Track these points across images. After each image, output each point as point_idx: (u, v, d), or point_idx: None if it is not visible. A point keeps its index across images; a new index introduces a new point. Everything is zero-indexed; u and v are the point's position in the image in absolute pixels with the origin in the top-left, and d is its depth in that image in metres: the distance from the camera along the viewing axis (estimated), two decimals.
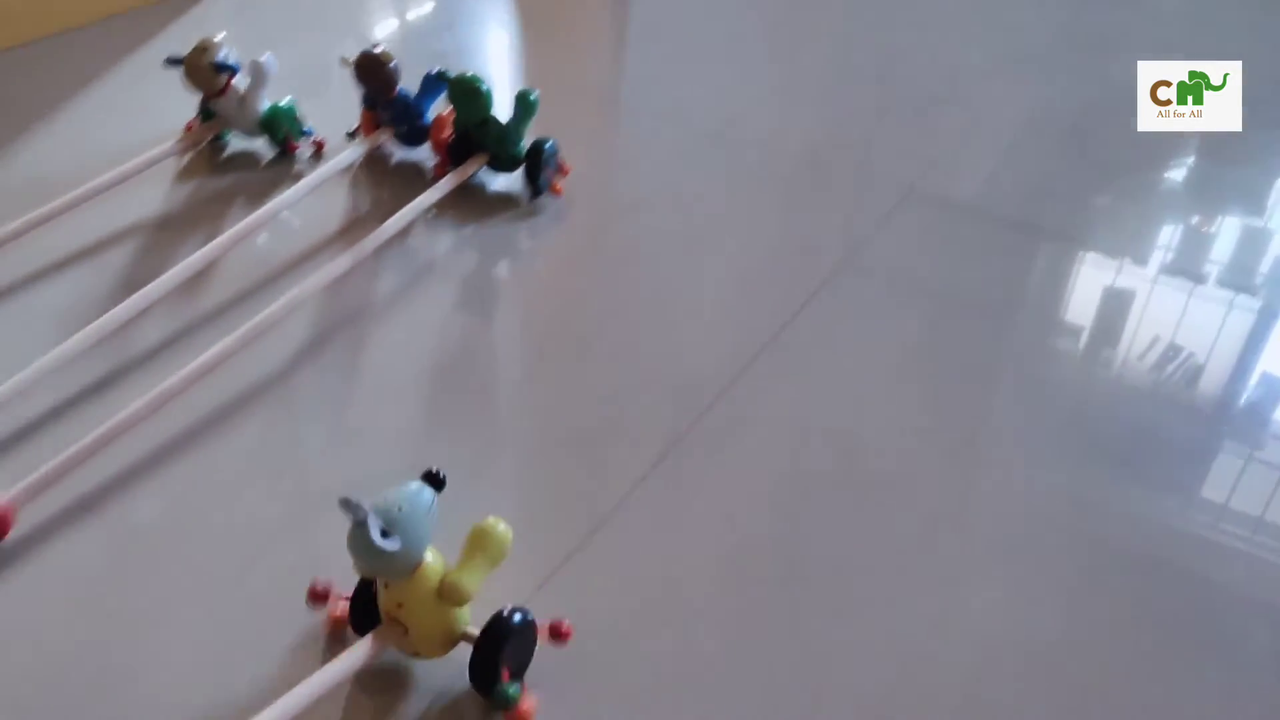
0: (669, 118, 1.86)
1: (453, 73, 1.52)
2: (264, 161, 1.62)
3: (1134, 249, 1.59)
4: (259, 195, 1.51)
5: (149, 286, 1.24)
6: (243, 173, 1.60)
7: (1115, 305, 1.47)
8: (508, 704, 0.86)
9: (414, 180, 1.58)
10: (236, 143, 1.65)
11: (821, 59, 2.18)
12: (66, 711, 0.86)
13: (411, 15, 2.30)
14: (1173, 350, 1.38)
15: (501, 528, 0.85)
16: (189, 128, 1.60)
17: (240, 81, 1.56)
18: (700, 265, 1.47)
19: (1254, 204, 1.76)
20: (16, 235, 1.33)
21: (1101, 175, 1.75)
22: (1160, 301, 1.47)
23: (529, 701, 0.86)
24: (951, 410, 1.24)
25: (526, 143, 1.53)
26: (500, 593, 0.89)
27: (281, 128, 1.59)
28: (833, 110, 1.94)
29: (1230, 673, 0.96)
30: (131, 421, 1.07)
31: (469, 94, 1.48)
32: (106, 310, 1.20)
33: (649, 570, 1.01)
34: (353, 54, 1.53)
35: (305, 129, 1.63)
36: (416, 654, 0.89)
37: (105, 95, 1.79)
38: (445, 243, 1.50)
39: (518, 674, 0.88)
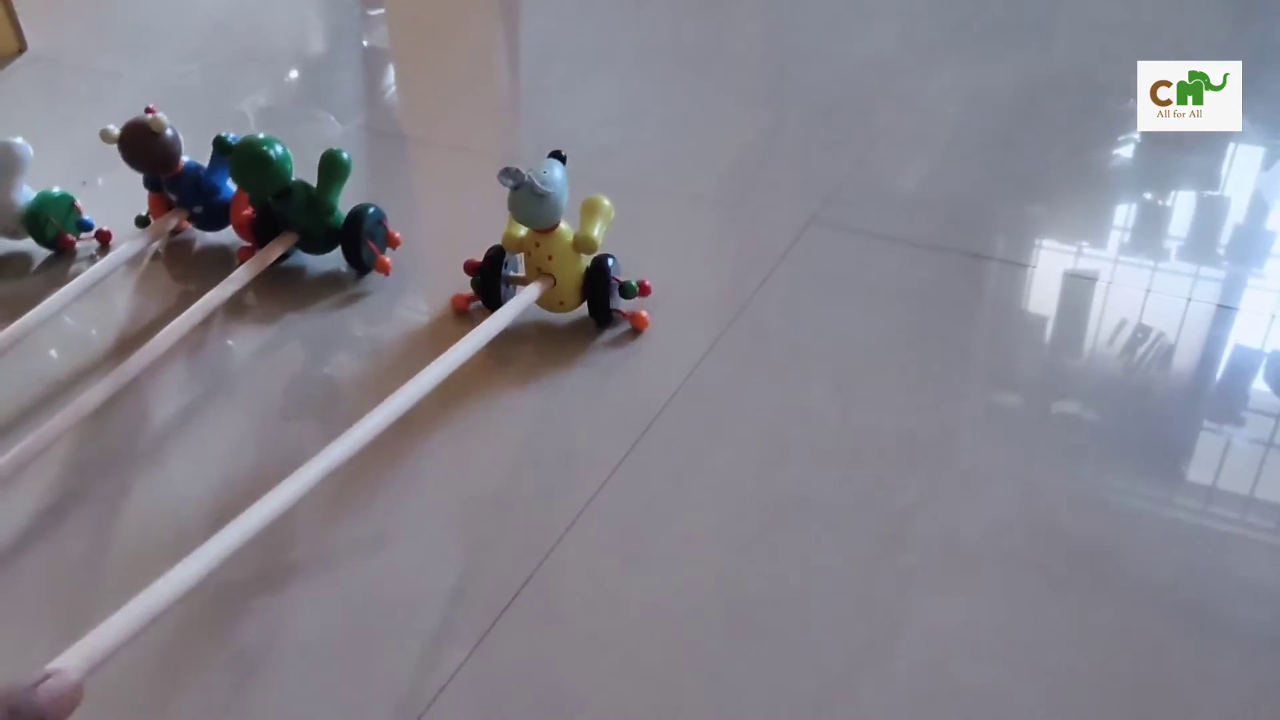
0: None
1: (259, 134, 1.25)
2: (37, 265, 1.35)
3: (1085, 240, 1.35)
4: (20, 308, 1.22)
5: None
6: (7, 281, 1.32)
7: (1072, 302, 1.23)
8: (630, 292, 1.20)
9: (223, 268, 1.30)
10: (4, 245, 1.38)
11: (703, 74, 1.93)
12: None
13: (249, 56, 2.04)
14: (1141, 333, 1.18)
15: (608, 201, 1.17)
16: None
17: None
18: (566, 340, 1.21)
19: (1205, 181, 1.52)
20: None
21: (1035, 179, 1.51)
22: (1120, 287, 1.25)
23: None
24: (893, 460, 0.98)
25: (344, 211, 1.27)
26: None
27: (50, 222, 1.32)
28: (739, 132, 1.69)
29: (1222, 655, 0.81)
30: None
31: (253, 162, 1.20)
32: None
33: None
34: (113, 128, 1.25)
35: (84, 221, 1.36)
36: (561, 305, 1.18)
37: None
38: (250, 345, 1.22)
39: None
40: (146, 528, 0.98)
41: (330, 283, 1.31)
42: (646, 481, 1.00)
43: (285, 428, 1.11)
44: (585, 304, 1.19)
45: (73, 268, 1.33)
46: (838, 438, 1.05)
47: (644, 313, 1.19)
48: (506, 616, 0.86)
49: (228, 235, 1.38)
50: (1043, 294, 1.28)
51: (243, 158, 1.20)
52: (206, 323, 1.18)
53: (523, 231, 1.16)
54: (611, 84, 1.86)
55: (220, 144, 1.26)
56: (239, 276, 1.20)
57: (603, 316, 1.19)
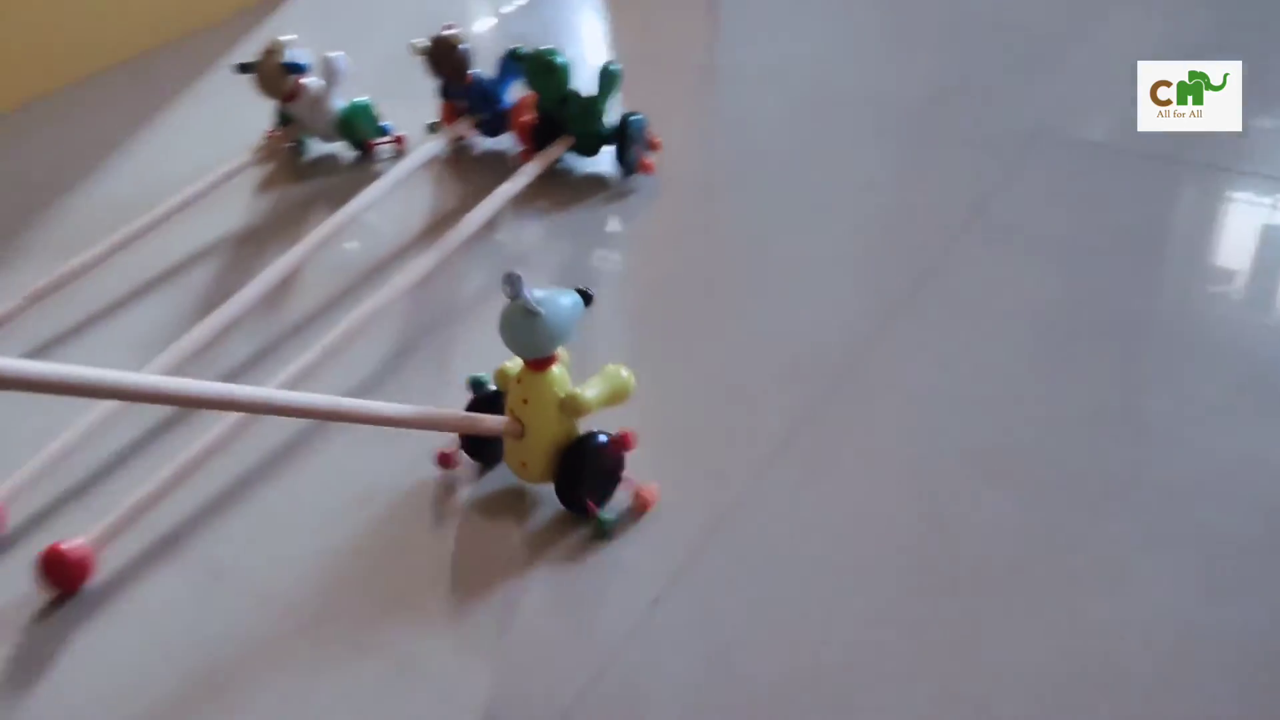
0: (769, 81, 1.73)
1: (529, 51, 1.42)
2: (345, 164, 1.56)
3: None
4: (339, 200, 1.42)
5: (221, 308, 1.18)
6: (324, 178, 1.54)
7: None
8: (605, 531, 0.93)
9: (500, 170, 1.48)
10: (318, 147, 1.59)
11: (927, 4, 2.01)
12: None
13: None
14: None
15: (626, 372, 0.95)
16: (269, 135, 1.55)
17: (313, 83, 1.50)
18: (810, 235, 1.34)
19: None
20: (98, 261, 1.29)
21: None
22: None
23: (650, 489, 0.96)
24: (1102, 373, 1.09)
25: (613, 119, 1.43)
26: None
27: (358, 127, 1.52)
28: (944, 59, 1.78)
29: None
30: (208, 453, 1.01)
31: (544, 69, 1.38)
32: (186, 332, 1.15)
33: (777, 559, 0.90)
34: (422, 41, 1.44)
35: (383, 126, 1.56)
36: (523, 467, 0.95)
37: (184, 114, 1.77)
38: (533, 233, 1.40)
39: (601, 501, 0.95)
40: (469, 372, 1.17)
41: (595, 182, 1.47)
42: (906, 366, 1.13)
43: None
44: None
45: (376, 167, 1.54)
46: (1076, 317, 1.16)
47: (653, 488, 0.96)
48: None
49: (503, 142, 1.56)
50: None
51: (536, 65, 1.38)
52: (493, 217, 1.36)
53: (516, 368, 0.96)
54: (818, 20, 1.97)
55: (513, 54, 1.44)
56: (525, 174, 1.38)
57: (573, 505, 0.95)
